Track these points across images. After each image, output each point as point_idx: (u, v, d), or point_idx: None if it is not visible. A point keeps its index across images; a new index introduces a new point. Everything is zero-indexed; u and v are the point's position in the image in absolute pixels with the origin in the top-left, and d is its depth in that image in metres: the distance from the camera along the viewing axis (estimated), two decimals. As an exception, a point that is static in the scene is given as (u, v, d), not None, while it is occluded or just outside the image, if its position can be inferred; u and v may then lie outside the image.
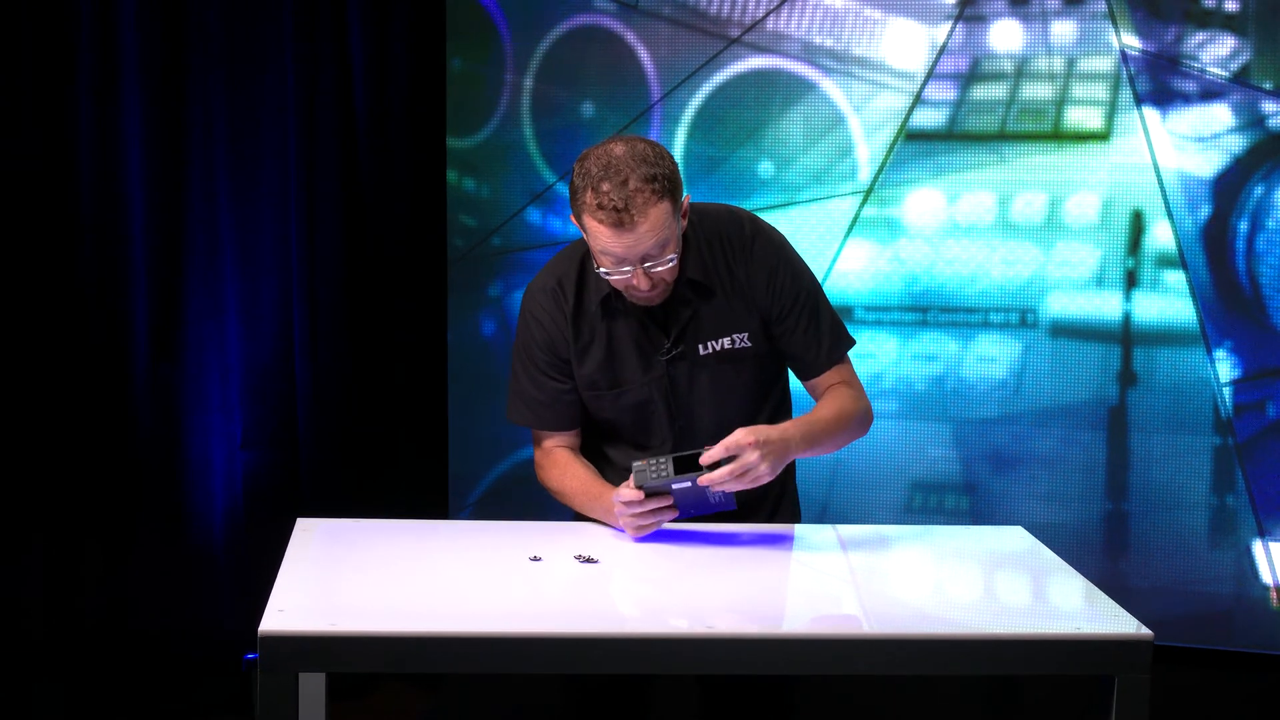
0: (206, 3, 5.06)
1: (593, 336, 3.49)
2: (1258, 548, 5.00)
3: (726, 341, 3.47)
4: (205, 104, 5.08)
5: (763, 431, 3.27)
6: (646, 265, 3.29)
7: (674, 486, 3.26)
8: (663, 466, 3.26)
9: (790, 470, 3.68)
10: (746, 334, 3.47)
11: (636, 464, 3.29)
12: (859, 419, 3.52)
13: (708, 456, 3.25)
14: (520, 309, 3.57)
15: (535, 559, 3.26)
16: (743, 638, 2.89)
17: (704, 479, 3.24)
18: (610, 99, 5.25)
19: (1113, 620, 3.00)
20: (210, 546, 5.20)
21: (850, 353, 3.61)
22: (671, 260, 3.31)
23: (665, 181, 3.25)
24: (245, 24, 5.12)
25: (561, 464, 3.56)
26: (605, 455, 3.62)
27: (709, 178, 5.18)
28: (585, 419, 3.60)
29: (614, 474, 3.57)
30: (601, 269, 3.33)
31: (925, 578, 3.34)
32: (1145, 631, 2.91)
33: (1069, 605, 3.15)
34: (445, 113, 5.35)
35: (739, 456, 3.23)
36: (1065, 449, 5.10)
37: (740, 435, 3.25)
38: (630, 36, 5.23)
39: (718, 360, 3.47)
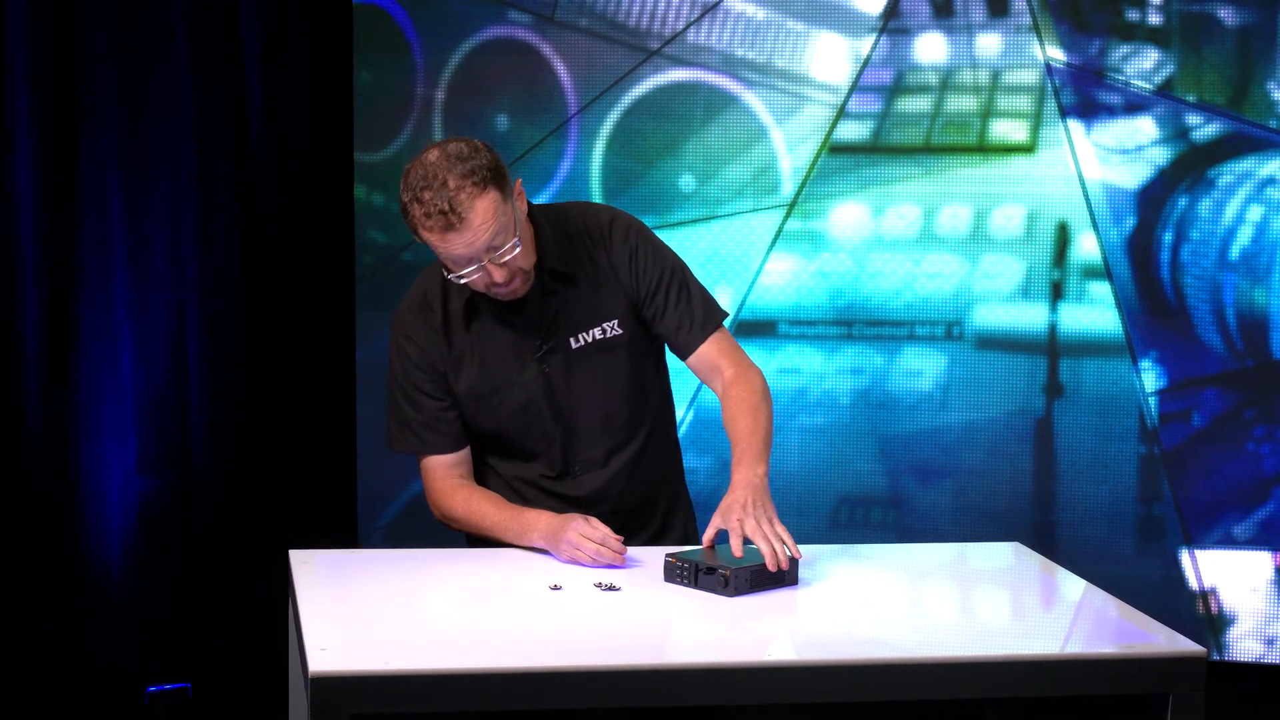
0: (98, 15, 4.91)
1: (465, 347, 3.46)
2: (1184, 556, 5.07)
3: (597, 332, 3.45)
4: (96, 120, 4.95)
5: (727, 500, 3.26)
6: (492, 257, 3.27)
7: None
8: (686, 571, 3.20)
9: (679, 482, 3.66)
10: (616, 320, 3.46)
11: (668, 561, 3.21)
12: (765, 397, 3.47)
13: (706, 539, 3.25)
14: (390, 337, 3.54)
15: (555, 588, 3.17)
16: (799, 666, 2.84)
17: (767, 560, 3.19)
18: (525, 112, 5.16)
19: (1158, 636, 2.99)
20: (107, 575, 5.06)
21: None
22: (516, 245, 3.28)
23: (485, 172, 3.24)
24: (137, 37, 4.99)
25: (464, 490, 3.50)
26: (492, 469, 3.57)
27: (629, 192, 5.11)
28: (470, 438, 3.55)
29: (503, 488, 3.54)
30: (453, 275, 3.31)
31: (951, 599, 3.32)
32: (1198, 647, 2.90)
33: (1109, 622, 3.13)
34: (353, 127, 5.22)
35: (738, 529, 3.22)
36: (992, 461, 5.12)
37: (717, 519, 3.25)
38: (546, 49, 5.14)
39: (592, 351, 3.46)
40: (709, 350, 3.49)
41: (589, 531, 3.30)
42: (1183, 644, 2.93)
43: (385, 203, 5.25)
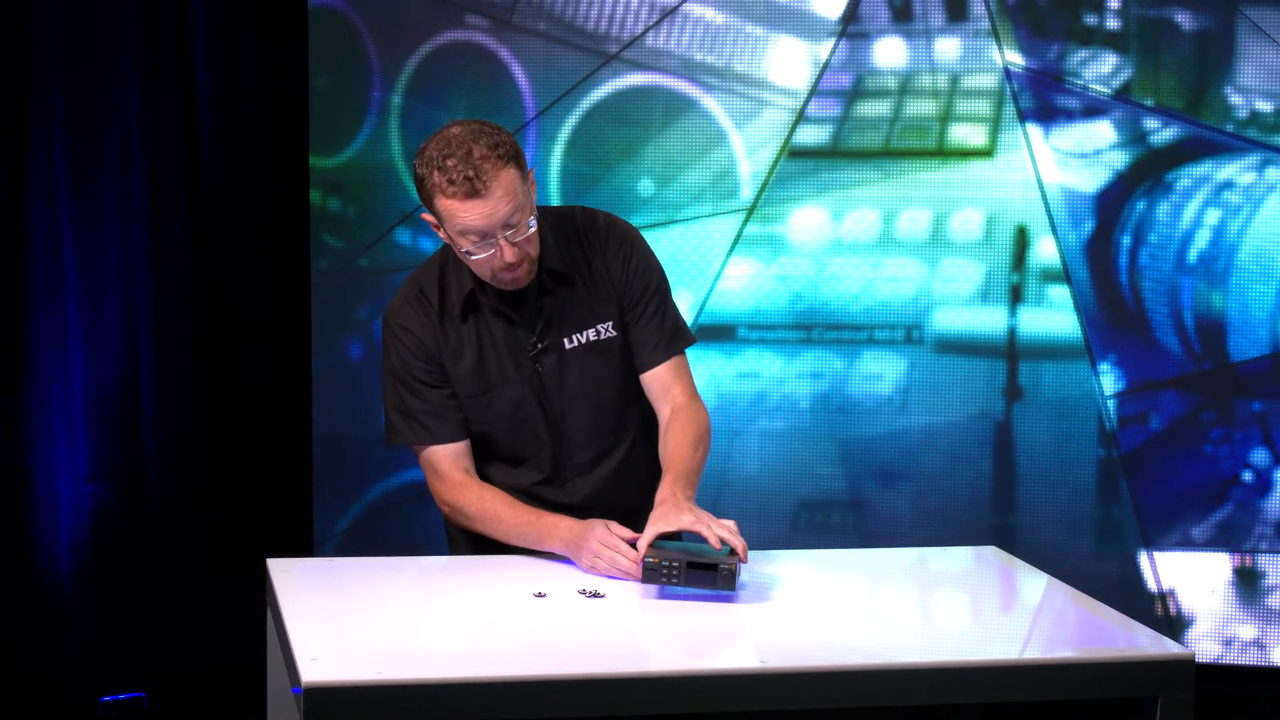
0: (48, 20, 4.86)
1: (461, 341, 3.46)
2: (1143, 557, 5.09)
3: (592, 333, 3.48)
4: (45, 125, 4.91)
5: (663, 509, 3.26)
6: (508, 235, 3.26)
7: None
8: (675, 570, 3.15)
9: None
10: (611, 323, 3.49)
11: (648, 561, 3.14)
12: (707, 437, 3.51)
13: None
14: (383, 330, 3.52)
15: (540, 595, 3.15)
16: (788, 672, 2.83)
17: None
18: (483, 117, 5.09)
19: (1144, 639, 3.00)
20: (58, 584, 5.01)
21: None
22: (532, 226, 3.29)
23: (508, 147, 3.27)
24: (87, 41, 4.95)
25: (476, 487, 3.49)
26: (485, 476, 3.55)
27: (588, 196, 5.09)
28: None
29: None
30: (464, 250, 3.30)
31: (936, 604, 3.31)
32: (1185, 650, 2.92)
33: (1095, 626, 3.13)
34: (308, 131, 5.18)
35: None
36: (952, 464, 5.13)
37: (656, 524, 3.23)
38: (504, 53, 5.12)
39: (585, 353, 3.48)
40: (666, 371, 3.52)
41: (608, 539, 3.29)
42: (1170, 647, 2.95)
43: (341, 207, 5.22)
